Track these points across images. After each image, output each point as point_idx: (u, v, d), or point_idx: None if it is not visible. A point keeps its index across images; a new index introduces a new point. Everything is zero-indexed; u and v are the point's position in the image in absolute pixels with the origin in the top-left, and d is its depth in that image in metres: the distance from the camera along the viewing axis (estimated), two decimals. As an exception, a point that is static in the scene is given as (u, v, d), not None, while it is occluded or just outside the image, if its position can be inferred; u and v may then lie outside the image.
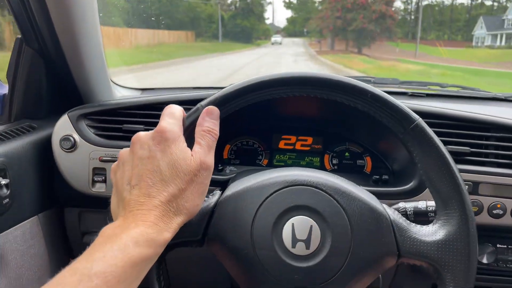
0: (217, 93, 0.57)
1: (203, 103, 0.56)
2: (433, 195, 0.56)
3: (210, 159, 0.52)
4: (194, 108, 0.56)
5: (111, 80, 1.12)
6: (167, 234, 0.47)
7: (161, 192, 0.47)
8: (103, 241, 0.44)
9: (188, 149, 0.51)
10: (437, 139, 0.54)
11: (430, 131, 0.54)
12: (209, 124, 0.53)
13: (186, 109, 0.56)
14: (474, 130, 0.84)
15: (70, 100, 0.99)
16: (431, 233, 0.54)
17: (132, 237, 0.44)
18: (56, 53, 0.91)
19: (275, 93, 0.57)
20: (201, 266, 0.99)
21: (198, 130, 0.53)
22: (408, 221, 0.56)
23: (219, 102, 0.56)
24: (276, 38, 41.37)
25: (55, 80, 0.98)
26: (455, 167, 0.53)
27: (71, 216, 0.97)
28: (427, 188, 0.80)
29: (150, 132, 0.51)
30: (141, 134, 0.51)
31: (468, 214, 0.52)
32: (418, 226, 0.56)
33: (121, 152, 0.53)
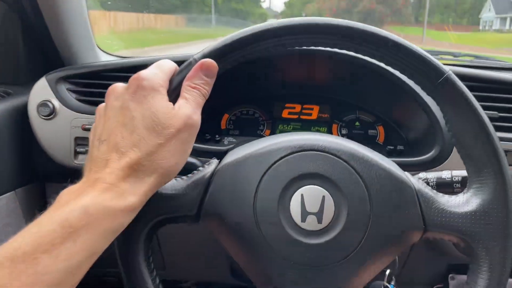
0: (213, 44, 0.48)
1: (196, 56, 0.47)
2: (465, 160, 0.48)
3: (197, 116, 0.44)
4: (186, 62, 0.47)
5: (98, 46, 1.03)
6: (132, 198, 0.39)
7: (131, 148, 0.40)
8: (52, 210, 0.37)
9: (170, 102, 0.44)
10: (470, 95, 0.46)
11: (462, 85, 0.46)
12: (200, 80, 0.46)
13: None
14: (502, 93, 0.76)
15: (50, 64, 0.90)
16: (462, 203, 0.47)
17: (81, 205, 0.36)
18: (32, 10, 0.82)
19: (281, 43, 0.49)
20: (198, 244, 0.91)
21: (185, 84, 0.45)
22: (435, 191, 0.49)
23: (216, 55, 0.47)
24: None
25: (33, 41, 0.89)
26: (492, 127, 0.46)
27: (53, 192, 0.89)
28: (449, 158, 0.73)
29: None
30: (117, 84, 0.45)
31: (507, 180, 0.45)
32: (447, 196, 0.49)
33: (98, 107, 0.46)
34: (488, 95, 0.76)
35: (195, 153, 0.78)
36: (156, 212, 0.47)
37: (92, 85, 0.83)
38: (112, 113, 0.43)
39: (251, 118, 0.93)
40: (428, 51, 1.38)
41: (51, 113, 0.79)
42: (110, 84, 0.79)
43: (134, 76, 0.43)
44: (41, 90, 0.81)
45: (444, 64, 1.16)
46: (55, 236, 0.34)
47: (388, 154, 0.84)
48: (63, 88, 0.82)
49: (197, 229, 0.85)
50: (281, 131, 0.92)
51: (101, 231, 0.37)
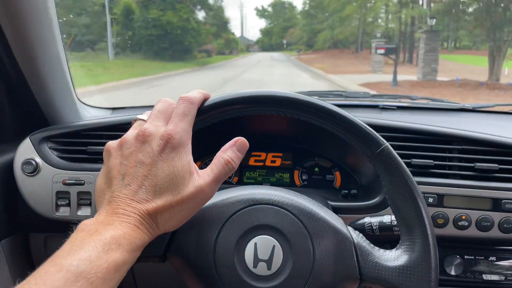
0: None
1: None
2: (397, 220, 0.56)
3: (211, 189, 0.49)
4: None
5: (80, 100, 1.10)
6: (146, 238, 0.46)
7: (149, 202, 0.46)
8: (85, 236, 0.42)
9: (193, 164, 0.49)
10: (403, 166, 0.54)
11: (396, 157, 0.54)
12: (233, 155, 0.51)
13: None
14: (438, 143, 0.85)
15: (36, 123, 0.97)
16: (393, 258, 0.54)
17: (116, 238, 0.42)
18: (16, 76, 0.89)
19: (240, 111, 0.57)
20: (172, 281, 0.97)
21: (219, 155, 0.51)
22: (372, 245, 0.56)
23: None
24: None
25: (18, 102, 0.96)
26: (420, 195, 0.54)
27: (37, 242, 0.95)
28: None
29: (158, 132, 0.48)
30: (149, 131, 0.48)
31: (430, 241, 0.53)
32: (381, 250, 0.56)
33: (126, 137, 0.50)
34: (426, 145, 0.85)
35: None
36: None
37: (73, 143, 0.90)
38: (138, 164, 0.47)
39: None
40: (390, 95, 1.47)
41: (35, 170, 0.85)
42: (88, 142, 0.89)
43: (165, 133, 0.47)
44: (26, 149, 0.87)
45: (403, 107, 1.26)
46: (102, 262, 0.40)
47: (343, 197, 0.92)
48: (46, 146, 0.89)
49: (171, 267, 0.91)
50: (248, 178, 1.00)
51: (127, 262, 0.43)
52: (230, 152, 0.51)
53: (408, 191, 0.53)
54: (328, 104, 0.56)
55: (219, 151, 0.51)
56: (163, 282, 0.98)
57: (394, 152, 0.54)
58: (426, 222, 0.53)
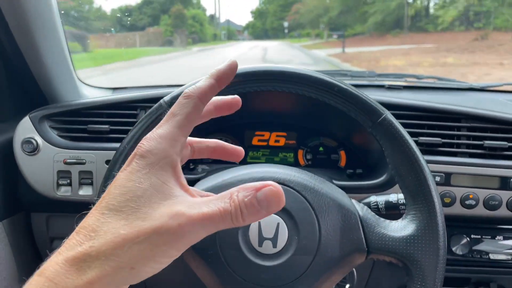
0: (181, 88, 0.54)
1: (166, 98, 0.53)
2: (402, 190, 0.55)
3: (191, 230, 0.32)
4: (156, 105, 0.53)
5: (80, 80, 1.09)
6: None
7: (90, 231, 0.32)
8: None
9: (174, 185, 0.34)
10: (405, 133, 0.53)
11: (398, 124, 0.53)
12: (247, 202, 0.35)
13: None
14: (446, 121, 0.84)
15: (35, 101, 0.96)
16: (400, 228, 0.53)
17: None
18: (13, 52, 0.87)
19: (239, 88, 0.55)
20: (177, 267, 0.97)
21: (231, 190, 0.36)
22: (377, 216, 0.55)
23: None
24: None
25: (16, 80, 0.95)
26: (424, 161, 0.52)
27: (39, 222, 0.94)
28: None
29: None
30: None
31: (437, 209, 0.51)
32: (387, 221, 0.55)
33: None
34: (434, 123, 0.84)
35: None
36: None
37: (73, 122, 0.89)
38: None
39: None
40: (396, 74, 1.44)
41: (35, 149, 0.84)
42: (88, 121, 0.87)
43: (137, 146, 0.35)
44: (25, 128, 0.86)
45: (409, 87, 1.25)
46: None
47: (348, 177, 0.91)
48: (46, 125, 0.87)
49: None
50: (252, 158, 0.99)
51: None
52: (244, 194, 0.34)
53: (412, 159, 0.52)
54: (325, 76, 0.54)
55: (234, 188, 0.36)
56: (169, 271, 0.98)
57: (395, 121, 0.53)
58: (432, 189, 0.52)
